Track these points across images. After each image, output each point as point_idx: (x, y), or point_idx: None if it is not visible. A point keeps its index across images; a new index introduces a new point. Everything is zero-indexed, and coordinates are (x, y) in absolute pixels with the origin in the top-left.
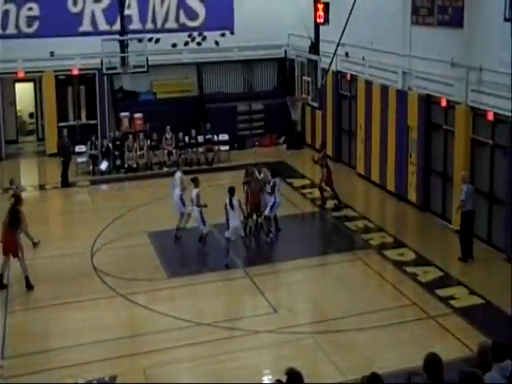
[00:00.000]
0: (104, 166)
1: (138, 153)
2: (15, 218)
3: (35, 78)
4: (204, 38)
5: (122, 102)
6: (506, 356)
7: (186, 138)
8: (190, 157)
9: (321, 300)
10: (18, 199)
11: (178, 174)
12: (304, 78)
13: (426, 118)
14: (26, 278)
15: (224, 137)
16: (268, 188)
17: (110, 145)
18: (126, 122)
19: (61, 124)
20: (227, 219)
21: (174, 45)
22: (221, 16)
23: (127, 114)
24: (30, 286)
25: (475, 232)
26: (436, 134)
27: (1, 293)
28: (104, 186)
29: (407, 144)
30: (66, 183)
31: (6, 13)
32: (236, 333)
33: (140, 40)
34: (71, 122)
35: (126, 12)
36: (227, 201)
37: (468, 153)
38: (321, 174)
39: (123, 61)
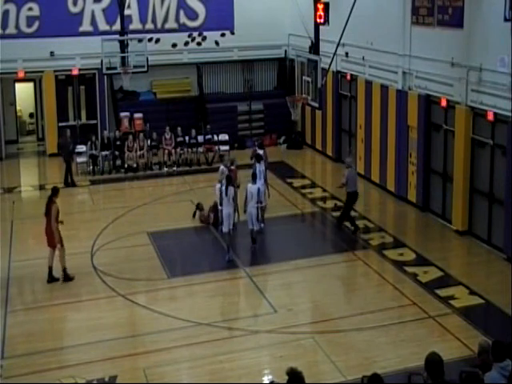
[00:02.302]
0: (105, 152)
1: (138, 153)
2: (47, 208)
3: (35, 78)
4: (204, 38)
5: (122, 101)
6: (506, 356)
7: (186, 138)
8: (190, 157)
9: (321, 300)
10: (54, 191)
11: (221, 168)
12: (304, 77)
13: (425, 118)
14: (50, 269)
15: (224, 137)
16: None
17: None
18: (125, 122)
19: (61, 124)
20: (220, 205)
21: (174, 45)
22: (221, 16)
23: (127, 114)
24: (51, 280)
25: (475, 232)
26: (436, 134)
27: (1, 293)
28: (104, 186)
29: (407, 144)
30: (67, 183)
31: (6, 13)
32: (236, 333)
33: (140, 40)
34: (71, 122)
35: (126, 12)
36: (223, 188)
37: (468, 153)
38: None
39: (123, 61)
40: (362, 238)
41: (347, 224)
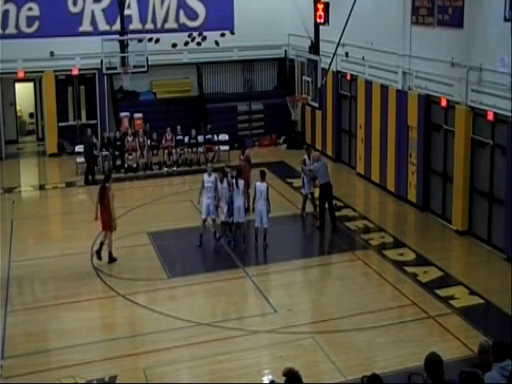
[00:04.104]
0: (105, 152)
1: (138, 153)
2: (102, 194)
3: (35, 78)
4: (204, 38)
5: (122, 101)
6: (506, 356)
7: (186, 138)
8: (189, 157)
9: (321, 300)
10: (106, 178)
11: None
12: (304, 77)
13: (425, 118)
14: (110, 254)
15: (224, 137)
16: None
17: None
18: (125, 122)
19: (61, 124)
20: (231, 199)
21: (174, 45)
22: (221, 16)
23: (127, 114)
24: (111, 260)
25: (475, 232)
26: (436, 134)
27: (1, 293)
28: (94, 187)
29: (407, 144)
30: (87, 181)
31: (6, 13)
32: (236, 333)
33: (140, 40)
34: (71, 122)
35: (126, 12)
36: (233, 181)
37: (468, 153)
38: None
39: (123, 61)
40: (362, 238)
41: (316, 215)
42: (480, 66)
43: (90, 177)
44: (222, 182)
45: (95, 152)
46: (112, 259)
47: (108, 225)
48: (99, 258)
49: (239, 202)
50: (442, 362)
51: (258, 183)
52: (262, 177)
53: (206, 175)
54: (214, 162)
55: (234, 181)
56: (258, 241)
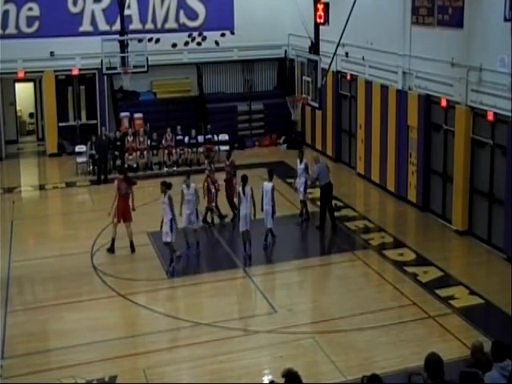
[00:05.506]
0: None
1: (138, 153)
2: (128, 184)
3: (35, 78)
4: (204, 38)
5: (122, 101)
6: (506, 356)
7: (186, 138)
8: (189, 157)
9: (321, 300)
10: (124, 171)
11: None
12: (304, 77)
13: (425, 118)
14: (131, 243)
15: (224, 137)
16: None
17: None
18: (125, 122)
19: (61, 124)
20: (239, 207)
21: (174, 45)
22: (221, 16)
23: (127, 114)
24: (133, 250)
25: (475, 232)
26: (436, 134)
27: (1, 293)
28: (104, 186)
29: (407, 144)
30: (99, 180)
31: (6, 13)
32: (236, 333)
33: (140, 40)
34: (71, 122)
35: (126, 12)
36: (240, 189)
37: (468, 153)
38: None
39: (123, 61)
40: (362, 238)
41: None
42: (480, 66)
43: (102, 176)
44: (164, 194)
45: (94, 152)
46: (133, 249)
47: (128, 216)
48: (111, 250)
49: (246, 210)
50: (442, 362)
51: (266, 182)
52: (270, 176)
53: (185, 185)
54: (213, 162)
55: (240, 188)
56: (267, 240)
